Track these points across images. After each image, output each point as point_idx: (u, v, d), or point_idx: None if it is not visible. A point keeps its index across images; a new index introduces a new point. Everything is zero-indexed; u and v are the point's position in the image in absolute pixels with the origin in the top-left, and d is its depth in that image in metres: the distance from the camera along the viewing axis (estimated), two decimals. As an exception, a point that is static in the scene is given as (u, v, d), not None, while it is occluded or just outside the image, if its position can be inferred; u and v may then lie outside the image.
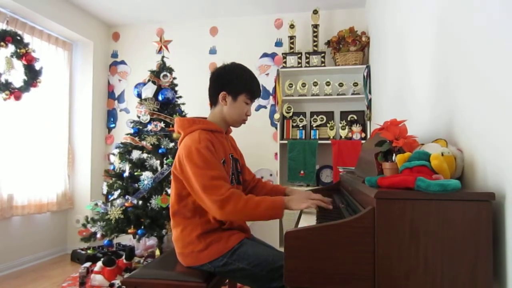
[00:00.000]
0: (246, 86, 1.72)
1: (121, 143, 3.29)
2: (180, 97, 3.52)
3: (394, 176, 1.09)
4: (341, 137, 3.62)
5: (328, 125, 3.69)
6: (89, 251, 3.57)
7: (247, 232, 1.77)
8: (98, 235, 2.98)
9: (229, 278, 1.71)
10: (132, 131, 3.30)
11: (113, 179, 3.15)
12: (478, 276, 0.95)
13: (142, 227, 2.93)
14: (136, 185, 3.02)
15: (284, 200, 1.52)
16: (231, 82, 1.71)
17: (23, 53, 3.16)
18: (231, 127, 1.84)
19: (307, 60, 3.72)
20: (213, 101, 1.76)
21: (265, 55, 4.06)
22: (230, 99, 1.71)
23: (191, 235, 1.62)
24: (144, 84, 3.33)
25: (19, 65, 3.19)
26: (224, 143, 1.74)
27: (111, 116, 4.44)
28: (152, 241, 3.50)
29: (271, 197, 1.54)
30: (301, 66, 3.71)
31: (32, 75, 3.24)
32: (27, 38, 3.43)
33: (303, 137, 3.70)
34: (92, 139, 4.15)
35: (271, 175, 3.94)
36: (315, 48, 3.71)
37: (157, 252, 3.17)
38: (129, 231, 2.92)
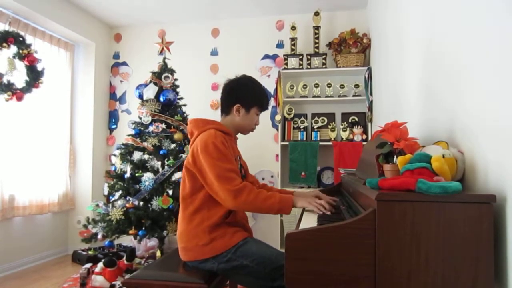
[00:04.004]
0: (259, 99, 1.85)
1: (123, 144, 3.30)
2: (182, 98, 3.53)
3: (395, 178, 1.09)
4: (342, 138, 3.62)
5: (329, 126, 3.69)
6: (90, 252, 3.58)
7: (249, 232, 1.81)
8: (99, 236, 2.98)
9: (232, 277, 1.72)
10: (133, 132, 3.31)
11: (114, 180, 3.16)
12: (479, 278, 0.95)
13: (143, 228, 2.93)
14: (137, 186, 3.03)
15: (293, 198, 1.64)
16: (245, 96, 1.83)
17: (25, 54, 3.16)
18: (239, 134, 1.94)
19: (308, 61, 3.72)
20: (226, 111, 1.87)
21: (266, 56, 4.07)
22: (243, 111, 1.83)
23: (197, 229, 1.66)
24: (146, 85, 3.34)
25: (21, 66, 3.19)
26: (233, 145, 1.85)
27: (113, 117, 4.45)
28: (153, 242, 3.50)
29: (281, 194, 1.65)
30: (302, 68, 3.72)
31: (34, 76, 3.24)
32: (29, 39, 3.44)
33: (304, 139, 3.70)
34: (93, 140, 4.16)
35: (272, 176, 3.94)
36: (317, 50, 3.72)
37: (158, 253, 3.17)
38: (130, 232, 2.93)
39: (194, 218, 1.68)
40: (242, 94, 1.83)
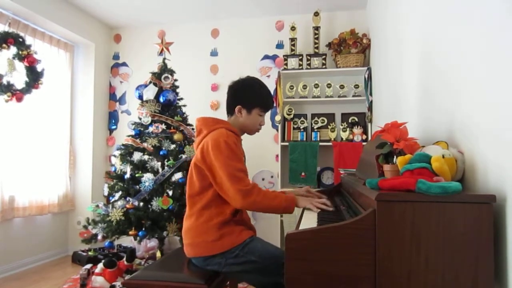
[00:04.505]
0: (260, 100, 1.88)
1: (122, 144, 3.30)
2: (181, 99, 3.53)
3: (395, 178, 1.09)
4: (342, 139, 3.62)
5: (329, 127, 3.69)
6: (90, 253, 3.58)
7: (254, 231, 1.83)
8: (99, 237, 2.98)
9: (238, 274, 1.72)
10: (133, 132, 3.31)
11: (114, 180, 3.16)
12: (479, 278, 0.95)
13: (143, 228, 2.93)
14: (137, 186, 3.03)
15: (295, 198, 1.71)
16: (246, 97, 1.87)
17: (25, 54, 3.17)
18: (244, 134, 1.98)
19: (308, 62, 3.72)
20: (230, 112, 1.91)
21: (266, 57, 4.07)
22: (245, 112, 1.86)
23: (205, 225, 1.68)
24: (146, 86, 3.34)
25: (21, 66, 3.19)
26: (240, 146, 1.86)
27: (113, 118, 4.45)
28: (153, 242, 3.50)
29: (284, 194, 1.73)
30: (302, 68, 3.72)
31: (34, 76, 3.24)
32: (29, 40, 3.44)
33: (304, 139, 3.70)
34: (93, 141, 4.16)
35: (272, 176, 3.93)
36: (316, 50, 3.72)
37: (158, 254, 3.16)
38: (130, 232, 2.92)
39: (202, 214, 1.71)
40: (243, 95, 1.86)
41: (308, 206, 1.69)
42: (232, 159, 1.65)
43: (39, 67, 3.29)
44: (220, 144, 1.67)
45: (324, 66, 3.67)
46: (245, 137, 1.97)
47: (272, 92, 3.87)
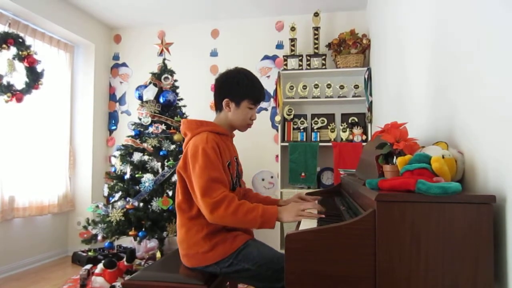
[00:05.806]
0: (248, 92, 1.73)
1: (122, 145, 3.30)
2: (181, 99, 3.53)
3: (395, 179, 1.09)
4: (342, 139, 3.62)
5: (329, 127, 3.69)
6: (90, 253, 3.57)
7: (250, 234, 1.78)
8: (99, 237, 2.98)
9: (234, 279, 1.72)
10: (133, 133, 3.31)
11: (114, 181, 3.16)
12: (479, 279, 0.95)
13: (143, 229, 2.93)
14: (137, 187, 3.03)
15: (277, 210, 1.53)
16: (233, 89, 1.73)
17: (25, 55, 3.17)
18: (236, 131, 1.86)
19: (308, 62, 3.72)
20: (218, 107, 1.79)
21: (266, 57, 4.07)
22: (234, 106, 1.73)
23: (196, 236, 1.62)
24: (146, 86, 3.34)
25: (21, 67, 3.20)
26: (229, 146, 1.78)
27: (112, 118, 4.45)
28: (153, 243, 3.50)
29: (265, 205, 1.54)
30: (302, 69, 3.72)
31: (34, 77, 3.25)
32: (29, 40, 3.44)
33: (304, 139, 3.70)
34: (93, 141, 4.16)
35: (272, 177, 3.93)
36: (316, 51, 3.72)
37: (158, 254, 3.16)
38: (130, 233, 2.93)
39: (192, 226, 1.64)
40: (230, 87, 1.73)
41: (295, 220, 1.52)
42: (207, 168, 1.53)
43: (39, 68, 3.29)
44: (197, 152, 1.56)
45: (324, 67, 3.68)
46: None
47: (272, 93, 3.91)
